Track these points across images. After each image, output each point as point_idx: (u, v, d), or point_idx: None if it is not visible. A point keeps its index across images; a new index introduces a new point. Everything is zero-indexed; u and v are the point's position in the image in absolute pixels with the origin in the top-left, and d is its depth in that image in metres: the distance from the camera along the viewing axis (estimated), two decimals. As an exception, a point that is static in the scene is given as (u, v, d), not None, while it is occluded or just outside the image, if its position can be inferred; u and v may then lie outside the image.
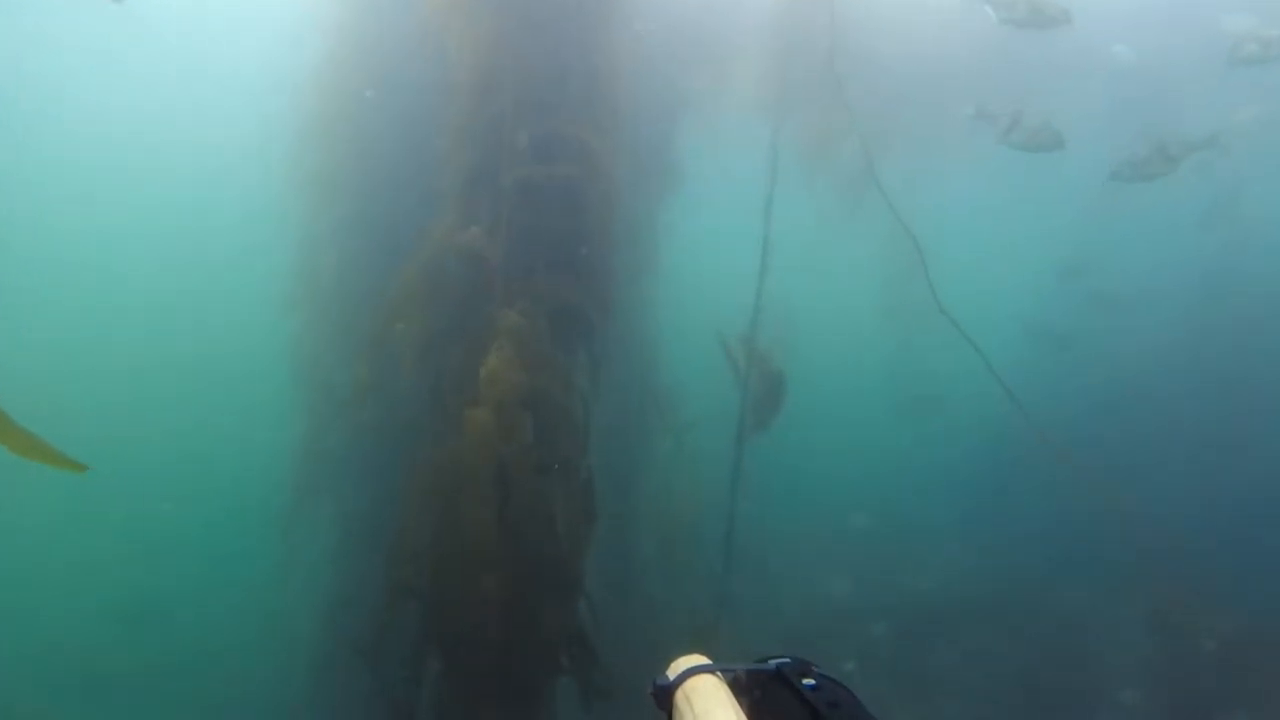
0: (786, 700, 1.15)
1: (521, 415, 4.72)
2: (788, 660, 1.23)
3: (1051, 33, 6.88)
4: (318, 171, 8.58)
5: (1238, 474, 10.38)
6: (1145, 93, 10.52)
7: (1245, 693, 7.57)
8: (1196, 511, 10.63)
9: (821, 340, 12.39)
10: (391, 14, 7.47)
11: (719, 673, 1.21)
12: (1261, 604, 8.45)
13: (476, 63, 5.96)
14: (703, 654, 1.27)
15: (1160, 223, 12.51)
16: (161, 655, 9.72)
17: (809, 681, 1.16)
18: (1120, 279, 12.66)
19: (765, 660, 1.24)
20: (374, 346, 5.92)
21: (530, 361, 5.00)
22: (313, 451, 8.02)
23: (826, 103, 12.79)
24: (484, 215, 5.65)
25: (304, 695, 6.97)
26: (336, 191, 8.34)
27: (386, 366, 6.14)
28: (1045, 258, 13.62)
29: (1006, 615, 10.44)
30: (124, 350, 12.51)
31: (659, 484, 8.62)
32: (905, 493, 14.14)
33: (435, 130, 6.55)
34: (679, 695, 1.18)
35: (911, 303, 14.62)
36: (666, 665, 1.25)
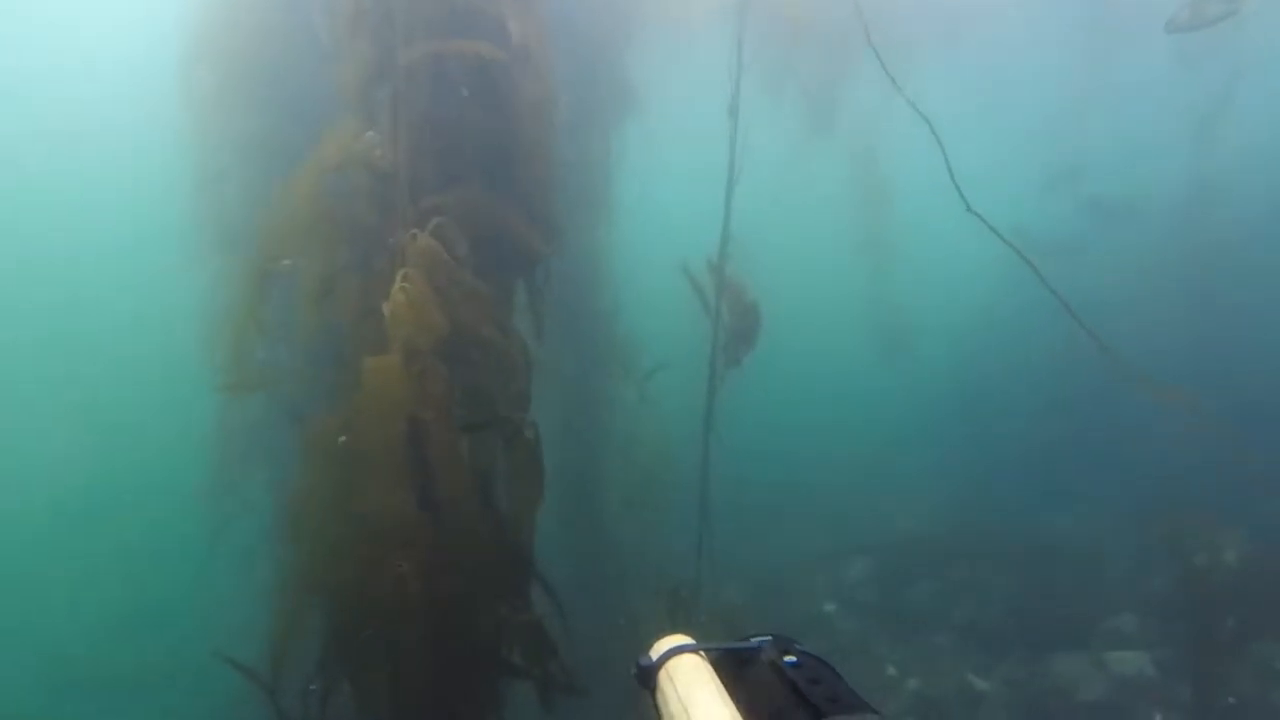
0: (768, 678, 1.13)
1: (437, 364, 3.59)
2: (769, 638, 1.21)
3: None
4: (212, 94, 7.19)
5: (1231, 393, 9.77)
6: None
7: (1262, 620, 6.95)
8: (1186, 430, 10.05)
9: (792, 271, 11.35)
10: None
11: (701, 652, 1.20)
12: (1262, 524, 7.85)
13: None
14: (686, 633, 1.25)
15: (1159, 121, 11.59)
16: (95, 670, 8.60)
17: (791, 659, 1.14)
18: (1118, 184, 11.73)
19: (747, 638, 1.23)
20: (268, 290, 4.68)
21: (448, 296, 3.84)
22: (230, 426, 6.85)
23: (796, 6, 11.46)
24: (384, 114, 4.39)
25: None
26: (235, 114, 7.00)
27: (286, 313, 4.99)
28: (1037, 162, 12.65)
29: (992, 546, 9.81)
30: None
31: (622, 439, 7.61)
32: (884, 427, 13.42)
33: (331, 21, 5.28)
34: (662, 675, 1.17)
35: (885, 230, 13.70)
36: (648, 644, 1.24)
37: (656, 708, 1.16)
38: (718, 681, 1.12)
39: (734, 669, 1.17)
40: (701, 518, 6.92)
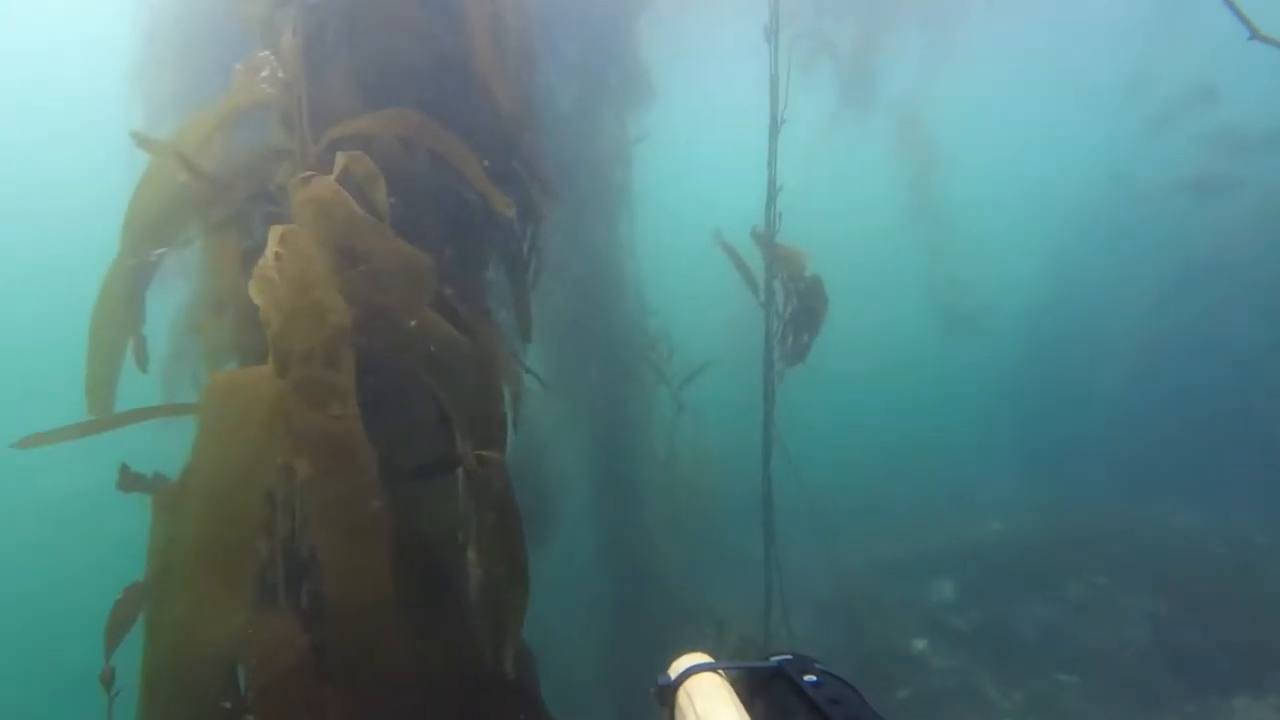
0: (788, 697, 1.08)
1: (332, 377, 2.05)
2: (789, 657, 1.15)
3: None
4: (169, 92, 5.96)
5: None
6: None
7: None
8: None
9: (841, 251, 9.64)
10: None
11: (720, 670, 1.14)
12: None
13: None
14: (705, 652, 1.18)
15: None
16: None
17: (811, 678, 1.08)
18: (1254, 114, 9.58)
19: (767, 658, 1.16)
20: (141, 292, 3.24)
21: (361, 267, 2.31)
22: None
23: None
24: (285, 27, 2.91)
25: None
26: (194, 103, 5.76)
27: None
28: (1143, 98, 10.64)
29: (1111, 556, 7.84)
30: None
31: (662, 454, 6.01)
32: (958, 418, 11.46)
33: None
34: (681, 694, 1.12)
35: (936, 203, 11.83)
36: (667, 663, 1.17)
37: None
38: (737, 701, 1.06)
39: (753, 688, 1.11)
40: (767, 543, 5.26)
